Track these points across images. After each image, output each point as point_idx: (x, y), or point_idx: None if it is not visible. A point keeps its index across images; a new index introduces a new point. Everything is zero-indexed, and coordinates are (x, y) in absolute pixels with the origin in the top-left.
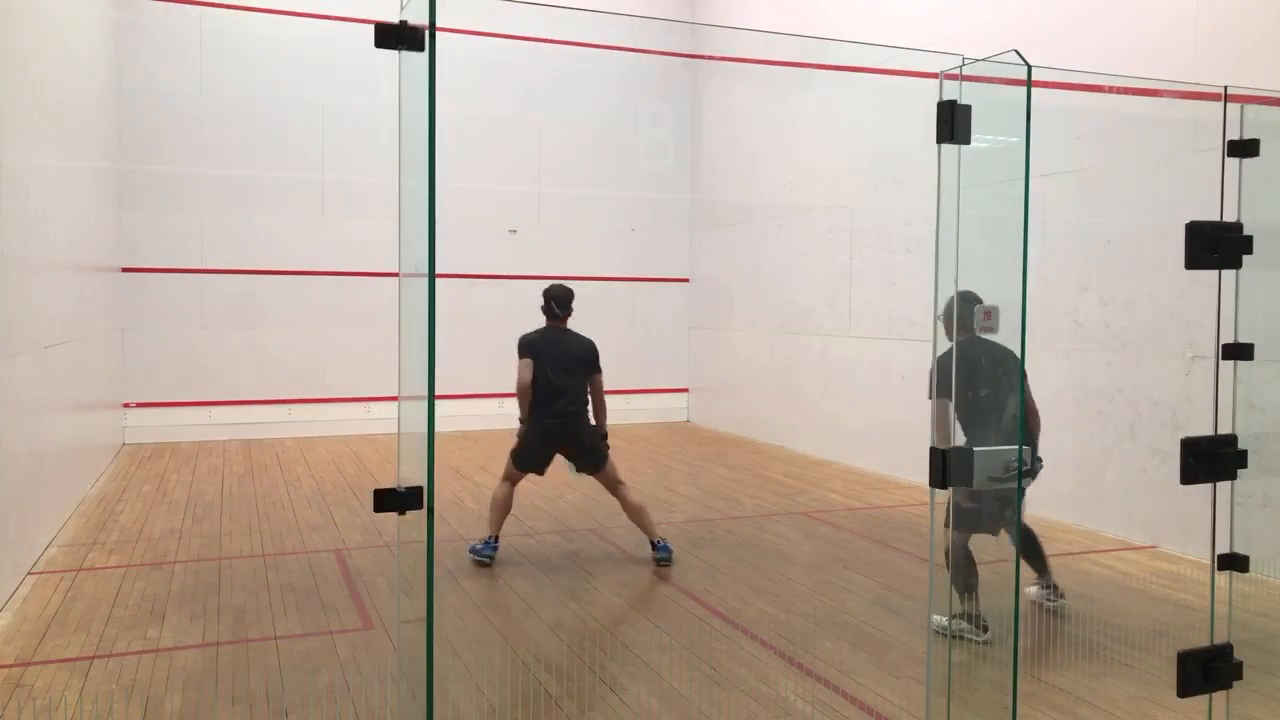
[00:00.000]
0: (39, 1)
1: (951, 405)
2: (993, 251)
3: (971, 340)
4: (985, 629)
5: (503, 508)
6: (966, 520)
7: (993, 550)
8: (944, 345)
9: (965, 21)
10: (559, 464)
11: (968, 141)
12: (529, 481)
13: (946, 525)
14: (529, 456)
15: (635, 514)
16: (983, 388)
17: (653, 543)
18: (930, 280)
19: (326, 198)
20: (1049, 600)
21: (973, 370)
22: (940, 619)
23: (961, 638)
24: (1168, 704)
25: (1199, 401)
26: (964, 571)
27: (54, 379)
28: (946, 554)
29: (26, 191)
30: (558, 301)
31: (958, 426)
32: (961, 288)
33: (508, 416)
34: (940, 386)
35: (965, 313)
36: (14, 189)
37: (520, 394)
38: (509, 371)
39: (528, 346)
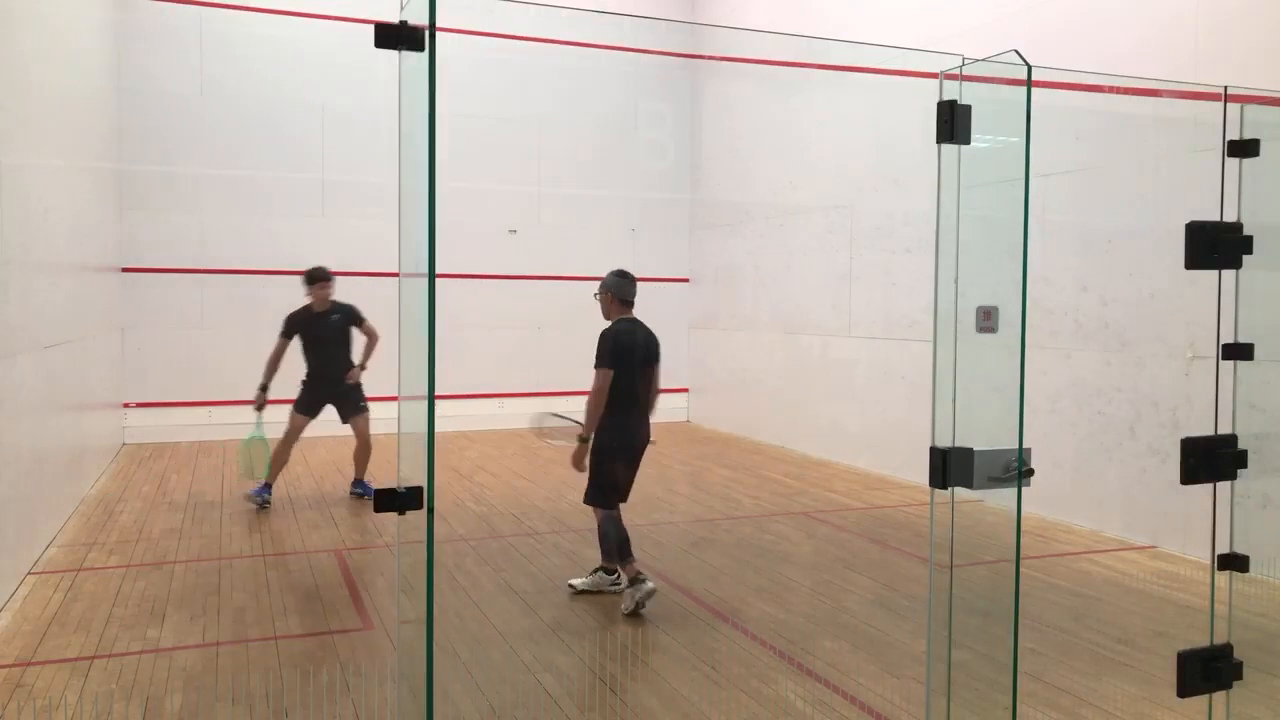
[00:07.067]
0: (39, 2)
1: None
2: (993, 251)
3: None
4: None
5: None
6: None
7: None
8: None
9: (965, 21)
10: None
11: (968, 141)
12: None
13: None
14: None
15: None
16: None
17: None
18: (930, 280)
19: (326, 198)
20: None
21: None
22: (578, 581)
23: (600, 591)
24: (1168, 704)
25: (1199, 401)
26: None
27: (54, 379)
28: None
29: (26, 191)
30: None
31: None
32: (962, 287)
33: (508, 416)
34: None
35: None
36: (14, 189)
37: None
38: (509, 371)
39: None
